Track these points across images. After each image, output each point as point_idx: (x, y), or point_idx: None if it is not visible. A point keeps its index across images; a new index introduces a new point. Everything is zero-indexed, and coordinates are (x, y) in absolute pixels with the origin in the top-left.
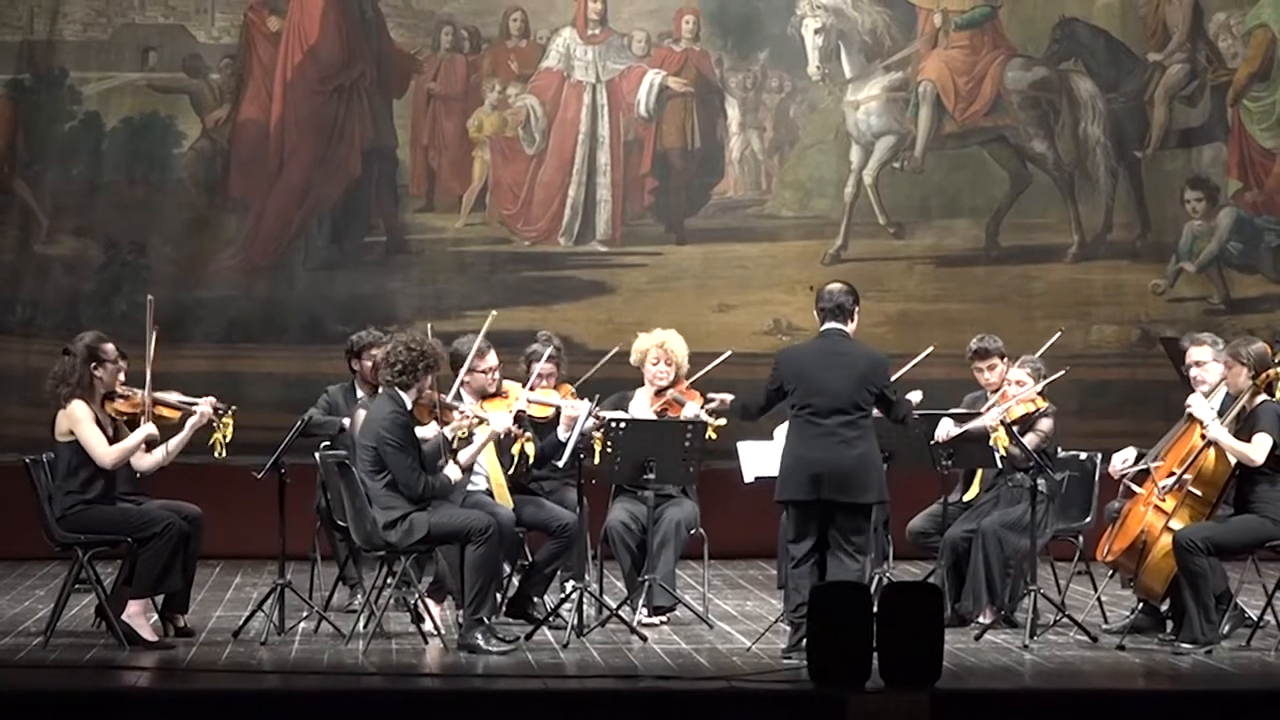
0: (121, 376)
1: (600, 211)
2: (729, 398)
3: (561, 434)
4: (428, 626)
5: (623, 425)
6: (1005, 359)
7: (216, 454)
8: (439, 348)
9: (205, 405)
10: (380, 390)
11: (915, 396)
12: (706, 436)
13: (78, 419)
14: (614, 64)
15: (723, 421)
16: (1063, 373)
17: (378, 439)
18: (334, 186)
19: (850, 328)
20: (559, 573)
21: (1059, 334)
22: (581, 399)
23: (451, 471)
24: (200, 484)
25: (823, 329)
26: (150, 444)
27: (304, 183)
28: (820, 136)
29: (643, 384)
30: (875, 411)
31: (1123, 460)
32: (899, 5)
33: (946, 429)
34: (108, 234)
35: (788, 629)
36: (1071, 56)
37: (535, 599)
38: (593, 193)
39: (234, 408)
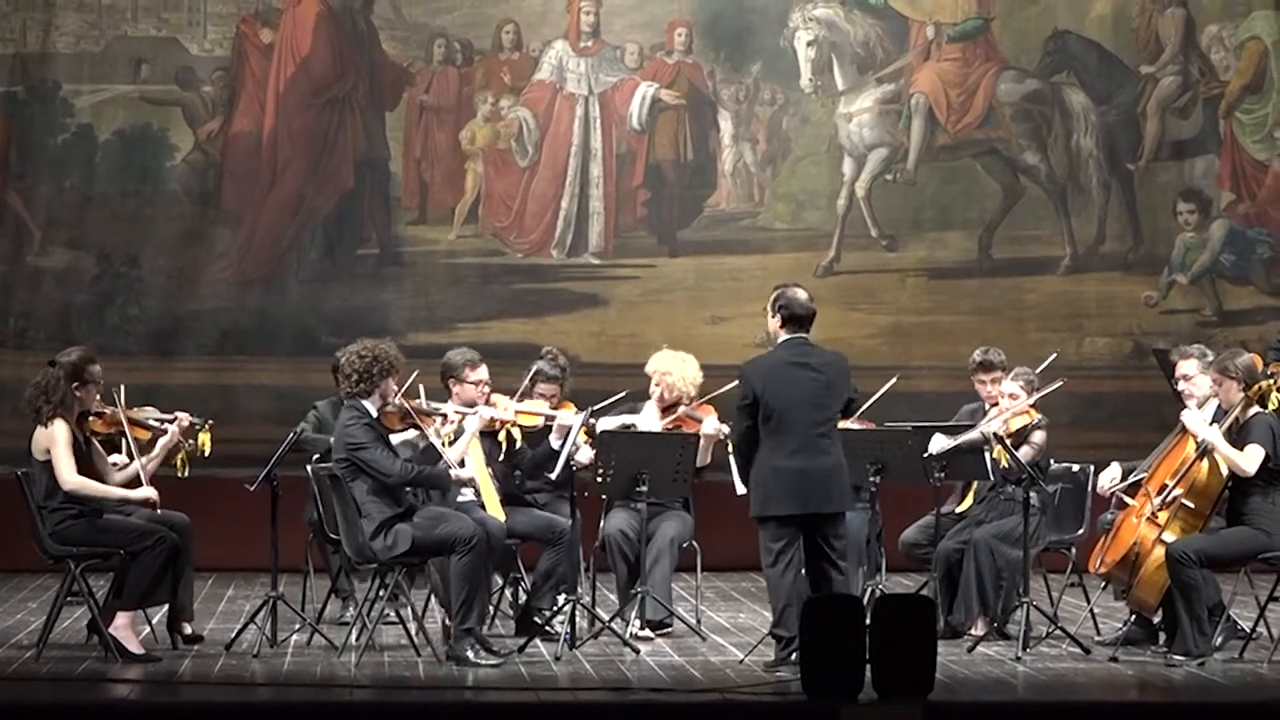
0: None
1: (593, 224)
2: (726, 429)
3: (554, 442)
4: (418, 638)
5: (616, 437)
6: (1007, 372)
7: (180, 473)
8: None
9: (174, 428)
10: (344, 404)
11: None
12: (728, 452)
13: (56, 440)
14: (606, 76)
15: None
16: (1059, 384)
17: (344, 448)
18: (326, 199)
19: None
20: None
21: (1054, 355)
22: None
23: (461, 472)
24: (192, 496)
25: (787, 338)
26: (127, 469)
27: (296, 195)
28: (813, 149)
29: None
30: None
31: (1110, 479)
32: (891, 18)
33: (940, 444)
34: (100, 246)
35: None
36: (1064, 69)
37: (545, 611)
38: (585, 205)
39: (210, 421)
